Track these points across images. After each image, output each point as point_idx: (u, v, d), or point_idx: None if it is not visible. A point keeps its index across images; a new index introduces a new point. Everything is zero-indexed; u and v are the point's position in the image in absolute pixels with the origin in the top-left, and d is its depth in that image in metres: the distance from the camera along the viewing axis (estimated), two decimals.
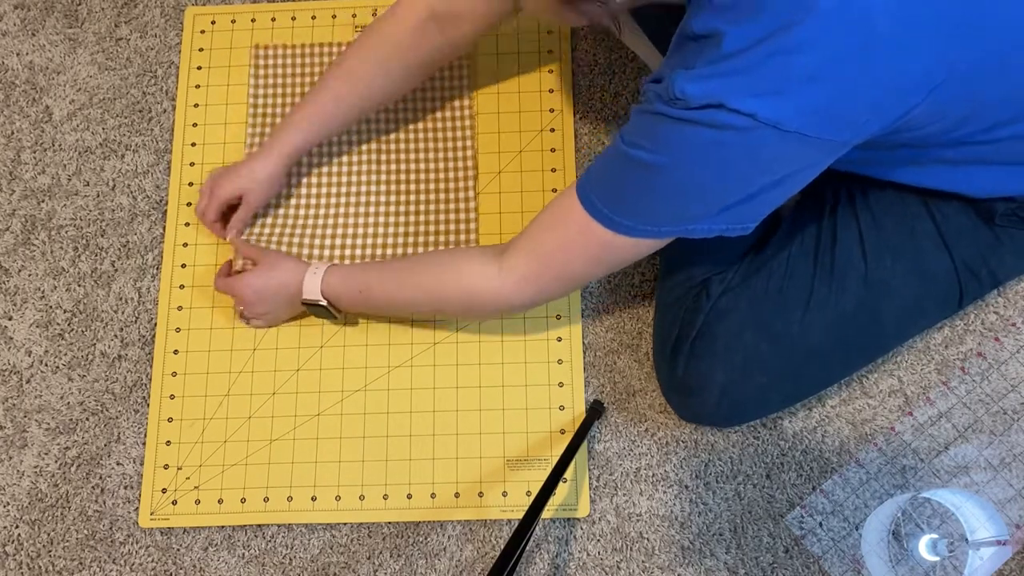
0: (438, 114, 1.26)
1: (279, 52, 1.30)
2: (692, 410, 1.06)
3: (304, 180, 1.23)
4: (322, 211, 1.22)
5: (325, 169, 1.24)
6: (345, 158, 1.24)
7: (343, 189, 1.23)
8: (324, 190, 1.23)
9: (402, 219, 1.21)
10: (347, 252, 1.19)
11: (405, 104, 1.26)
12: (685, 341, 1.02)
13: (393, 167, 1.24)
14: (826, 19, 0.70)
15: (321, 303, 1.08)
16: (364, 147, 1.25)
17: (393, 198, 1.22)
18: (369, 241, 1.20)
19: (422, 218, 1.21)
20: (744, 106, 0.73)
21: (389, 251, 1.19)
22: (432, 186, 1.22)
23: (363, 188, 1.23)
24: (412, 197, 1.22)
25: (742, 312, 1.00)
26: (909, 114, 0.77)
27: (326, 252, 1.19)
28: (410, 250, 1.19)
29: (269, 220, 1.21)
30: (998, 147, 0.88)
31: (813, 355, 1.01)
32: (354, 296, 1.07)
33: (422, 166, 1.23)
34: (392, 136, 1.25)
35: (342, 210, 1.22)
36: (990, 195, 0.95)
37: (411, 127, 1.25)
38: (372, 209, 1.21)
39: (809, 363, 1.02)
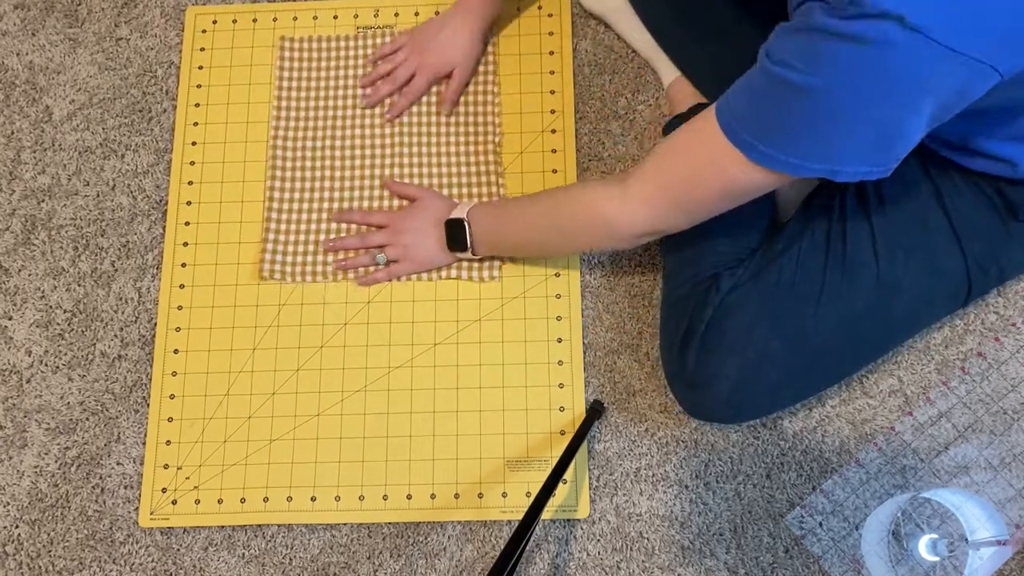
0: (468, 118, 1.26)
1: (305, 44, 1.30)
2: (701, 405, 1.04)
3: (326, 193, 1.24)
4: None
5: (357, 175, 1.24)
6: (364, 169, 1.25)
7: (366, 193, 1.23)
8: (347, 194, 1.23)
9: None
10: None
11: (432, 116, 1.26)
12: (694, 336, 1.01)
13: (416, 169, 1.24)
14: None
15: (463, 219, 1.11)
16: (388, 150, 1.25)
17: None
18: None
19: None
20: (924, 21, 0.67)
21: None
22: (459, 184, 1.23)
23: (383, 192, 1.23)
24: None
25: (753, 308, 0.99)
26: None
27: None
28: None
29: (290, 225, 1.22)
30: None
31: (825, 351, 1.00)
32: (491, 221, 1.11)
33: (450, 169, 1.24)
34: (420, 139, 1.25)
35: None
36: None
37: (439, 130, 1.25)
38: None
39: (820, 359, 1.01)
